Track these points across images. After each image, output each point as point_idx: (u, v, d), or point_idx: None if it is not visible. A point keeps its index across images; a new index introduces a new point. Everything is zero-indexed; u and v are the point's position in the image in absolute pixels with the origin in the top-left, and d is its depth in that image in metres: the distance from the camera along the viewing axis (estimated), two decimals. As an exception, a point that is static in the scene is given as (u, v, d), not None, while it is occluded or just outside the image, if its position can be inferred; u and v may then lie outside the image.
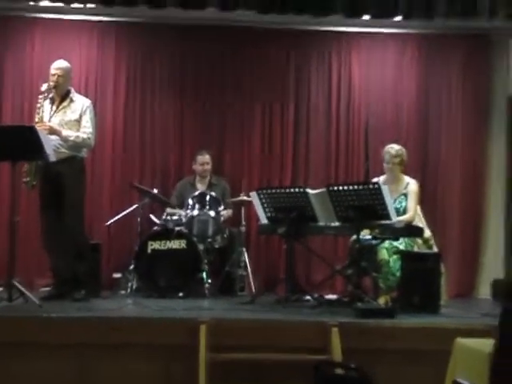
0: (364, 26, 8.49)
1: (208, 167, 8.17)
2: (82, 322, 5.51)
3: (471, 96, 8.65)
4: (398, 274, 6.59)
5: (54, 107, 6.67)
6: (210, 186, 8.12)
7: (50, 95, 6.66)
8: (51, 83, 6.60)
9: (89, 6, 7.60)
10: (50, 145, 6.27)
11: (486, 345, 3.86)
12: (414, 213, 6.97)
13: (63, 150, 6.55)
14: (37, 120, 6.52)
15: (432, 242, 7.13)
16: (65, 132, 6.55)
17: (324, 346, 5.36)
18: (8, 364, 5.27)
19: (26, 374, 5.26)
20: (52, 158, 6.24)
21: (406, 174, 7.28)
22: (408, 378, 5.34)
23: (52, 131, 6.47)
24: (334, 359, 5.18)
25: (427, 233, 7.08)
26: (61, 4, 7.71)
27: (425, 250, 6.91)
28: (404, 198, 7.02)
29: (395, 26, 8.54)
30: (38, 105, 6.60)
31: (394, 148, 7.14)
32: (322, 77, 8.72)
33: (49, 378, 5.28)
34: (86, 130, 6.64)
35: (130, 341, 5.36)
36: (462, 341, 4.44)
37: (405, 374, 5.36)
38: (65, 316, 5.64)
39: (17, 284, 6.12)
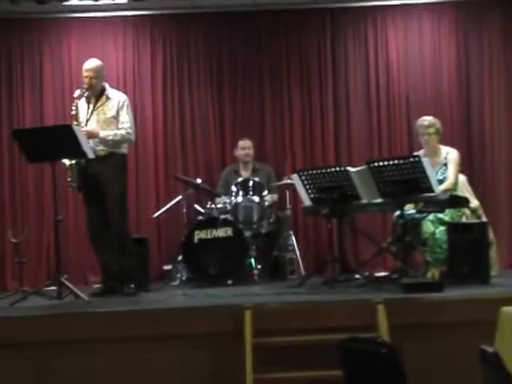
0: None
1: (250, 152, 8.15)
2: (128, 315, 5.55)
3: (513, 60, 8.45)
4: (446, 246, 6.47)
5: (91, 106, 6.65)
6: (254, 172, 8.10)
7: (86, 94, 6.65)
8: (85, 85, 6.58)
9: (118, 1, 7.66)
10: (88, 142, 6.31)
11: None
12: (454, 180, 6.79)
13: (101, 147, 6.55)
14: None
15: (480, 211, 6.99)
16: (102, 133, 6.50)
17: (371, 324, 5.27)
18: (58, 361, 5.31)
19: (76, 370, 5.29)
20: (90, 154, 6.27)
21: (451, 145, 7.11)
22: (457, 352, 5.21)
23: (90, 135, 6.44)
24: (382, 337, 5.12)
25: (474, 203, 6.95)
26: (89, 2, 7.83)
27: (473, 221, 6.77)
28: (445, 168, 6.85)
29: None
30: (73, 112, 6.51)
31: (426, 119, 6.99)
32: (358, 54, 8.62)
33: (98, 373, 5.31)
34: (125, 126, 6.61)
35: (175, 331, 5.35)
36: (506, 309, 4.32)
37: (453, 347, 5.24)
38: (111, 310, 5.68)
39: (65, 281, 6.18)
